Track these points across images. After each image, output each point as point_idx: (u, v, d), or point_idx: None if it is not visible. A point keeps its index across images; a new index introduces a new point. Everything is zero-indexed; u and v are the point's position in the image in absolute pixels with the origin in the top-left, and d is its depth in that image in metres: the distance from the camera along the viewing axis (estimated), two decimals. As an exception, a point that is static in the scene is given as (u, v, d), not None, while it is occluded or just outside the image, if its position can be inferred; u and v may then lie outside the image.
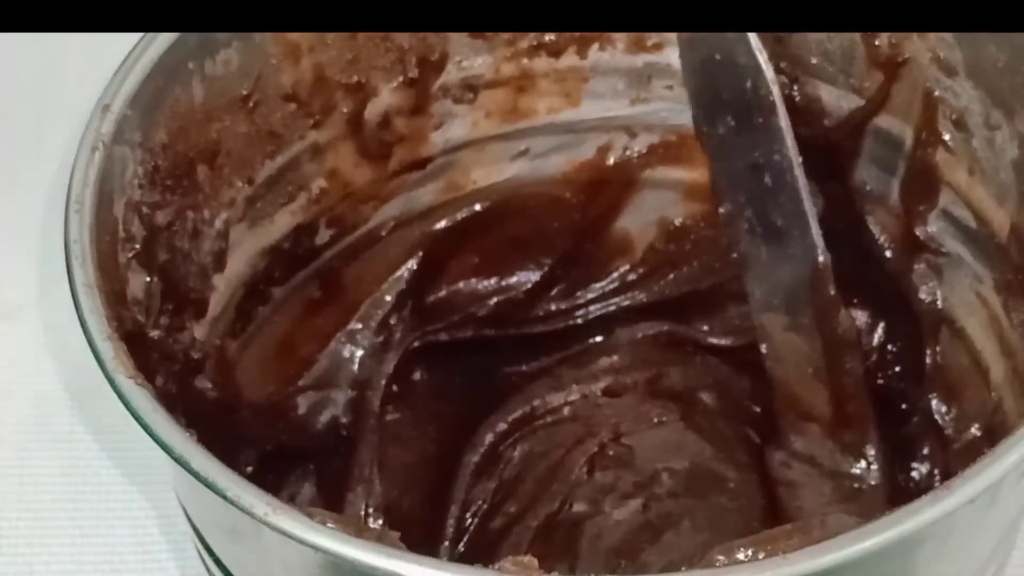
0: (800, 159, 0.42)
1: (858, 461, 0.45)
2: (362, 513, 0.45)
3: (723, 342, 0.49)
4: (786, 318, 0.44)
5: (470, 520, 0.46)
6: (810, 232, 0.42)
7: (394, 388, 0.47)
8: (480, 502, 0.47)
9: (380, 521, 0.45)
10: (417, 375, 0.48)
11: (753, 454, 0.47)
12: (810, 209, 0.42)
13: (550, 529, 0.46)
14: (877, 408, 0.45)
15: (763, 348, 0.45)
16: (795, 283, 0.44)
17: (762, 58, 0.42)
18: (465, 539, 0.46)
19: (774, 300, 0.44)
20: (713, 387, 0.48)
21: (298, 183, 0.44)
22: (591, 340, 0.50)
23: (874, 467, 0.45)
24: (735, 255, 0.45)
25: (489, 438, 0.48)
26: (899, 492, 0.44)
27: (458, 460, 0.47)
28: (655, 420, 0.48)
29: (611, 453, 0.47)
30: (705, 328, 0.49)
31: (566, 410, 0.49)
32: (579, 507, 0.46)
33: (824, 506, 0.44)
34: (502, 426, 0.48)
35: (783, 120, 0.42)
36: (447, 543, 0.46)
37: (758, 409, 0.47)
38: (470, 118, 0.47)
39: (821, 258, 0.43)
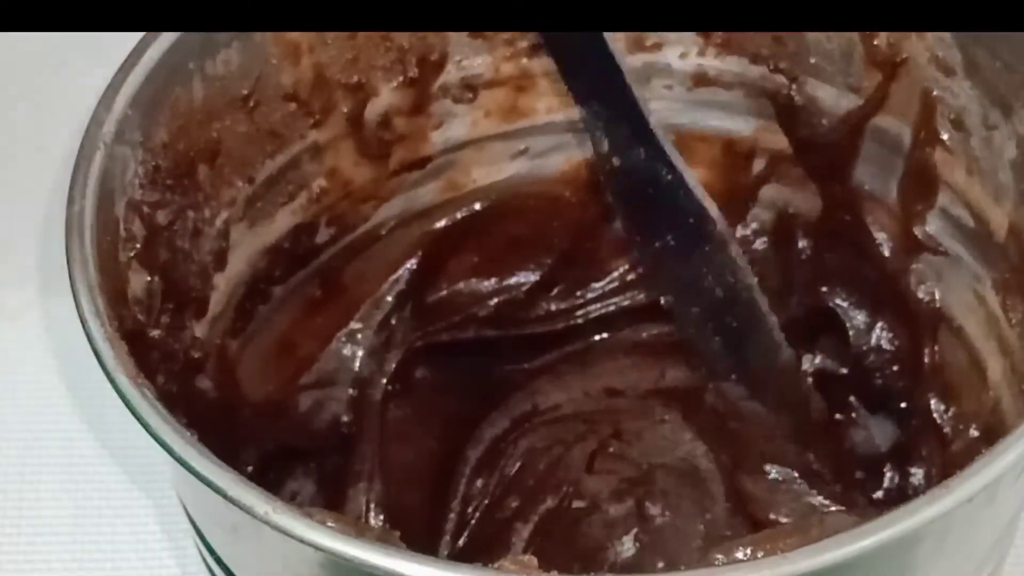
0: (755, 280, 0.43)
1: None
2: (363, 509, 0.45)
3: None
4: (742, 389, 0.46)
5: (471, 515, 0.46)
6: (773, 340, 0.44)
7: (395, 386, 0.47)
8: (481, 497, 0.47)
9: (381, 517, 0.45)
10: (419, 374, 0.48)
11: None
12: (769, 317, 0.44)
13: (550, 524, 0.46)
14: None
15: (713, 401, 0.46)
16: (758, 373, 0.44)
17: (707, 202, 0.43)
18: (466, 534, 0.46)
19: (733, 377, 0.46)
20: (714, 388, 0.48)
21: (298, 182, 0.44)
22: (593, 339, 0.50)
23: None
24: (681, 338, 0.46)
25: (491, 434, 0.48)
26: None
27: (460, 456, 0.47)
28: (656, 419, 0.48)
29: (611, 450, 0.47)
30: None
31: (568, 408, 0.49)
32: (578, 503, 0.46)
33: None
34: (504, 423, 0.48)
35: (734, 250, 0.43)
36: (447, 538, 0.46)
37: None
38: (470, 117, 0.47)
39: (784, 357, 0.44)
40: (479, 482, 0.47)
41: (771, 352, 0.44)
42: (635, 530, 0.46)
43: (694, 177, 0.43)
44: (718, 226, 0.43)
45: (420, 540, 0.45)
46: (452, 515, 0.46)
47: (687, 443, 0.47)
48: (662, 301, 0.46)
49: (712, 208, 0.43)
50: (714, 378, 0.46)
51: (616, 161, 0.45)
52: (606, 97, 0.44)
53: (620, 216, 0.45)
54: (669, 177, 0.43)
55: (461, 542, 0.46)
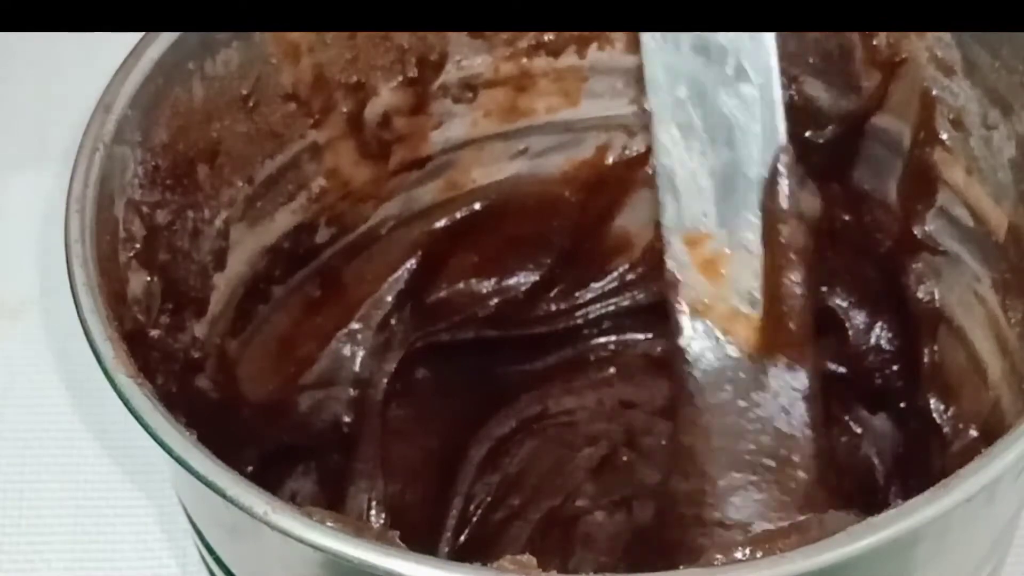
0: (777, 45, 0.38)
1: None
2: (364, 507, 0.45)
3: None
4: (719, 234, 0.42)
5: (472, 513, 0.46)
6: (778, 123, 0.40)
7: (396, 386, 0.47)
8: (483, 495, 0.47)
9: (382, 515, 0.45)
10: (420, 373, 0.48)
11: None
12: (780, 97, 0.39)
13: (550, 525, 0.46)
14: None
15: (672, 274, 0.42)
16: (742, 190, 0.40)
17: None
18: (467, 531, 0.46)
19: (703, 217, 0.41)
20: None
21: (298, 182, 0.44)
22: (606, 346, 0.50)
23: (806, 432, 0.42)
24: (654, 168, 0.41)
25: (496, 433, 0.48)
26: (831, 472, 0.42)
27: (463, 454, 0.47)
28: (668, 435, 0.48)
29: (624, 459, 0.48)
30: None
31: (580, 414, 0.49)
32: (581, 504, 0.46)
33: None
34: (511, 423, 0.48)
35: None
36: (448, 535, 0.46)
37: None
38: (469, 117, 0.47)
39: (786, 155, 0.40)
40: (482, 480, 0.47)
41: (770, 146, 0.40)
42: (638, 536, 0.46)
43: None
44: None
45: (421, 538, 0.45)
46: (454, 512, 0.46)
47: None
48: (646, 107, 0.42)
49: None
50: (679, 227, 0.42)
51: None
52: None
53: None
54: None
55: (462, 539, 0.46)
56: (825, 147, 0.45)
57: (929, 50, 0.41)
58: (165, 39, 0.39)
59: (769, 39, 0.39)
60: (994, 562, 0.36)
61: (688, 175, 0.41)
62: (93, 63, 0.40)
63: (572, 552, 0.45)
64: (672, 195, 0.42)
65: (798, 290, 0.41)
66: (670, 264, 0.42)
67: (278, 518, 0.29)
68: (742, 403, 0.42)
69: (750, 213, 0.41)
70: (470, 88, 0.46)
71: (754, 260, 0.41)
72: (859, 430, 0.47)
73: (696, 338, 0.42)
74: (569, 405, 0.49)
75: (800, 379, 0.41)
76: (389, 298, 0.48)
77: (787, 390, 0.41)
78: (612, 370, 0.50)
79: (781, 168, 0.40)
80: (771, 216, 0.41)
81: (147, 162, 0.38)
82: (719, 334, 0.42)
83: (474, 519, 0.46)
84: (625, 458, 0.48)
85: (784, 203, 0.40)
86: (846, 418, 0.47)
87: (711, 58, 0.39)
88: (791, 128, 0.45)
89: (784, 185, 0.40)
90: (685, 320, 0.42)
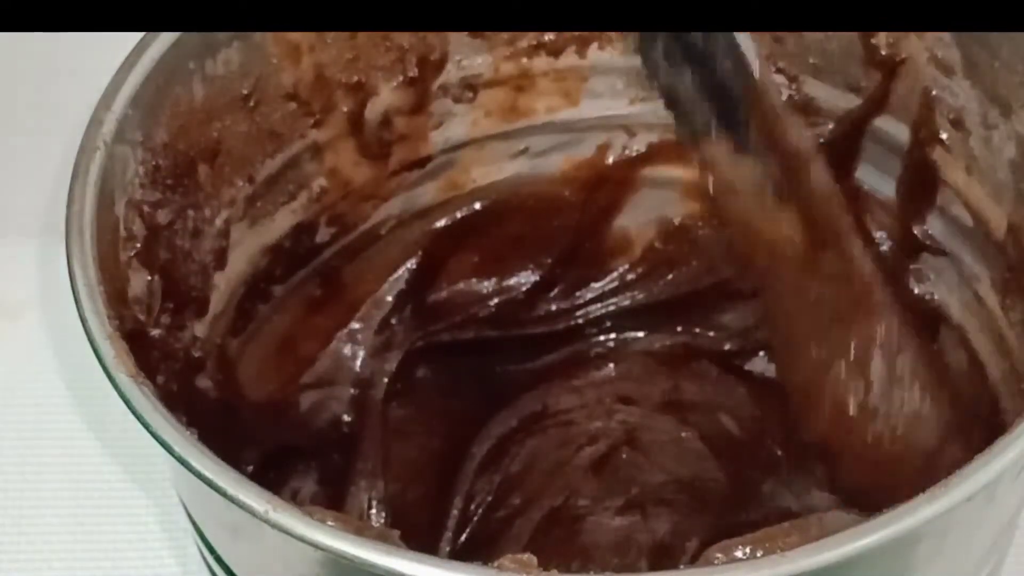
0: None
1: None
2: (365, 506, 0.45)
3: (729, 347, 0.49)
4: (729, 143, 0.42)
5: (474, 511, 0.46)
6: (737, 46, 0.40)
7: (397, 386, 0.47)
8: (484, 494, 0.47)
9: (383, 514, 0.45)
10: (420, 373, 0.48)
11: (762, 474, 0.47)
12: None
13: (552, 523, 0.46)
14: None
15: (710, 185, 0.43)
16: (732, 103, 0.41)
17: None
18: (468, 530, 0.46)
19: (710, 128, 0.42)
20: (732, 409, 0.48)
21: (298, 182, 0.44)
22: (604, 343, 0.50)
23: None
24: (658, 90, 0.42)
25: (497, 432, 0.48)
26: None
27: (464, 453, 0.47)
28: (674, 434, 0.48)
29: (624, 457, 0.48)
30: (713, 335, 0.49)
31: (579, 412, 0.49)
32: (582, 504, 0.46)
33: None
34: (512, 422, 0.48)
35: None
36: (449, 533, 0.46)
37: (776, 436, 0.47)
38: (470, 117, 0.47)
39: (756, 70, 0.40)
40: (483, 479, 0.47)
41: (741, 69, 0.40)
42: (638, 536, 0.46)
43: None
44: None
45: (421, 537, 0.45)
46: (455, 511, 0.46)
47: (702, 463, 0.47)
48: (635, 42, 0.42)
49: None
50: (695, 137, 0.43)
51: None
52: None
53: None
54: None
55: (463, 538, 0.46)
56: (825, 147, 0.45)
57: (929, 50, 0.41)
58: (165, 39, 0.39)
59: None
60: (994, 562, 0.36)
61: (686, 89, 0.42)
62: (93, 63, 0.40)
63: (573, 550, 0.45)
64: (679, 107, 0.42)
65: (819, 187, 0.41)
66: (709, 178, 0.43)
67: (278, 517, 0.29)
68: None
69: (745, 124, 0.41)
70: (470, 88, 0.46)
71: (770, 162, 0.41)
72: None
73: None
74: (569, 404, 0.49)
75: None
76: (389, 298, 0.48)
77: None
78: (611, 367, 0.50)
79: (753, 80, 0.40)
80: (761, 127, 0.41)
81: (148, 162, 0.38)
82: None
83: (475, 518, 0.46)
84: (625, 456, 0.48)
85: (770, 114, 0.41)
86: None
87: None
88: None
89: (762, 97, 0.40)
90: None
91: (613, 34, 0.46)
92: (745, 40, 0.39)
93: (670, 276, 0.49)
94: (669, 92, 0.42)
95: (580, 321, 0.50)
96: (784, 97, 0.45)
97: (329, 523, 0.29)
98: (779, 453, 0.47)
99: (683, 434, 0.48)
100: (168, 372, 0.38)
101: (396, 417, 0.47)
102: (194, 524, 0.36)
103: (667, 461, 0.47)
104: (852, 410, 0.42)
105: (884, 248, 0.45)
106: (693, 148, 0.42)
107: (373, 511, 0.45)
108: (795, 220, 0.42)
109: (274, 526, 0.29)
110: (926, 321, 0.44)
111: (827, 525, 0.31)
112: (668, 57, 0.41)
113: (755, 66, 0.40)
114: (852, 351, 0.41)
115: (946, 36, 0.41)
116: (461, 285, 0.49)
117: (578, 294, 0.50)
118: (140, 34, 0.39)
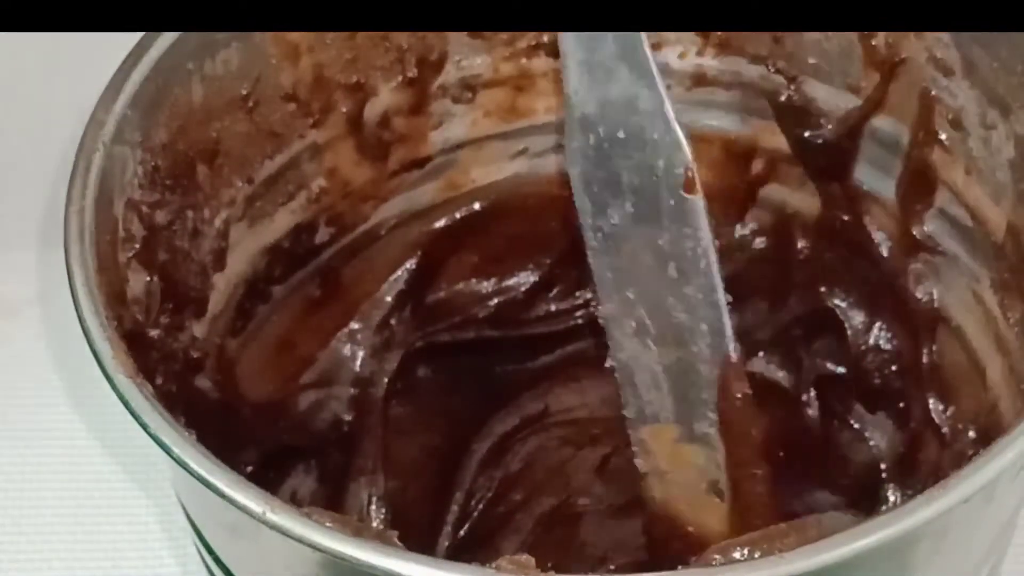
0: (716, 242, 0.38)
1: None
2: (365, 503, 0.45)
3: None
4: (679, 428, 0.41)
5: (473, 507, 0.46)
6: (723, 325, 0.38)
7: (397, 385, 0.47)
8: (485, 491, 0.47)
9: (383, 511, 0.45)
10: (421, 372, 0.48)
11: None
12: (723, 298, 0.38)
13: (552, 521, 0.46)
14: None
15: (640, 465, 0.42)
16: (696, 387, 0.40)
17: (681, 131, 0.37)
18: (467, 527, 0.46)
19: (663, 412, 0.41)
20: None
21: (298, 182, 0.44)
22: (606, 343, 0.50)
23: None
24: (612, 364, 0.41)
25: (499, 431, 0.48)
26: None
27: (465, 451, 0.47)
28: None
29: (626, 457, 0.48)
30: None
31: (581, 412, 0.49)
32: (582, 503, 0.47)
33: None
34: (513, 421, 0.48)
35: (701, 198, 0.37)
36: (448, 529, 0.46)
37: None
38: (469, 117, 0.47)
39: (734, 354, 0.39)
40: (483, 477, 0.47)
41: (719, 350, 0.39)
42: (636, 534, 0.46)
43: (672, 109, 0.37)
44: (692, 172, 0.37)
45: (421, 533, 0.45)
46: (454, 507, 0.46)
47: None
48: (599, 313, 0.41)
49: (687, 148, 0.37)
50: (641, 419, 0.42)
51: (590, 100, 0.38)
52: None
53: (578, 183, 0.38)
54: (648, 105, 0.37)
55: (462, 535, 0.46)
56: (825, 147, 0.45)
57: (928, 50, 0.41)
58: (165, 39, 0.39)
59: (703, 223, 0.37)
60: (992, 562, 0.36)
61: (645, 371, 0.40)
62: (93, 63, 0.40)
63: (573, 550, 0.45)
64: (631, 389, 0.41)
65: (759, 485, 0.40)
66: (637, 457, 0.42)
67: (277, 518, 0.29)
68: None
69: (707, 409, 0.40)
70: (470, 88, 0.46)
71: (716, 454, 0.40)
72: (859, 430, 0.47)
73: None
74: (571, 403, 0.49)
75: None
76: (389, 298, 0.48)
77: None
78: (613, 367, 0.50)
79: (730, 366, 0.39)
80: (726, 413, 0.40)
81: (147, 162, 0.38)
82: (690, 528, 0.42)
83: (474, 515, 0.46)
84: (627, 456, 0.48)
85: (736, 402, 0.39)
86: (846, 418, 0.47)
87: (656, 258, 0.38)
88: (790, 128, 0.46)
89: (735, 384, 0.39)
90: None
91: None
92: (724, 318, 0.38)
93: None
94: (624, 365, 0.41)
95: (580, 321, 0.50)
96: (784, 95, 0.45)
97: (327, 524, 0.29)
98: (780, 454, 0.47)
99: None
100: (167, 372, 0.38)
101: (396, 416, 0.47)
102: (193, 524, 0.36)
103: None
104: None
105: (883, 249, 0.45)
106: (632, 428, 0.41)
107: (373, 508, 0.45)
108: (723, 514, 0.41)
109: (272, 527, 0.29)
110: (926, 321, 0.44)
111: (825, 526, 0.31)
112: (640, 334, 0.39)
113: (731, 346, 0.38)
114: None
115: (945, 36, 0.41)
116: (461, 285, 0.49)
117: (578, 294, 0.50)
118: (140, 34, 0.39)
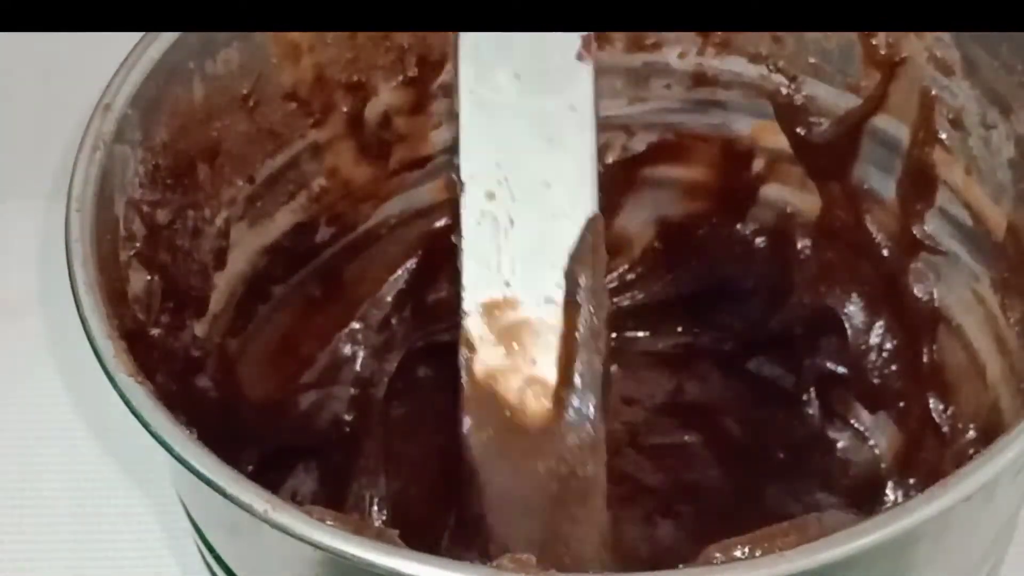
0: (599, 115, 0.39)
1: None
2: (366, 503, 0.45)
3: (730, 347, 0.49)
4: (526, 299, 0.41)
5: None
6: (588, 184, 0.40)
7: (398, 385, 0.47)
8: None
9: (384, 510, 0.45)
10: (422, 372, 0.48)
11: (764, 475, 0.47)
12: (594, 165, 0.39)
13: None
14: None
15: (467, 340, 0.41)
16: (548, 256, 0.40)
17: None
18: (468, 526, 0.46)
19: (507, 281, 0.40)
20: (735, 412, 0.48)
21: (298, 182, 0.44)
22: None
23: None
24: (458, 233, 0.41)
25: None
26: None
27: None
28: (678, 438, 0.48)
29: (627, 458, 0.48)
30: (714, 335, 0.49)
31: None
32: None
33: None
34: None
35: (592, 66, 0.39)
36: (450, 529, 0.46)
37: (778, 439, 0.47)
38: (469, 117, 0.47)
39: (596, 209, 0.40)
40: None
41: (581, 211, 0.40)
42: (640, 534, 0.46)
43: None
44: (590, 39, 0.40)
45: (422, 532, 0.45)
46: (456, 507, 0.46)
47: (706, 467, 0.47)
48: (460, 173, 0.41)
49: None
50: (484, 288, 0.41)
51: None
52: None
53: (466, 46, 0.41)
54: None
55: (463, 534, 0.46)
56: (825, 147, 0.45)
57: (928, 50, 0.41)
58: (165, 39, 0.39)
59: (589, 92, 0.38)
60: (993, 561, 0.36)
61: (495, 241, 0.40)
62: (93, 63, 0.40)
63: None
64: (475, 259, 0.41)
65: (589, 372, 0.40)
66: (465, 333, 0.41)
67: (277, 516, 0.29)
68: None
69: (554, 283, 0.40)
70: (470, 88, 0.46)
71: (551, 334, 0.40)
72: (859, 430, 0.47)
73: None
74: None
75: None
76: (389, 298, 0.48)
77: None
78: (613, 368, 0.50)
79: (587, 241, 0.39)
80: (572, 289, 0.40)
81: (148, 161, 0.38)
82: (507, 412, 0.41)
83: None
84: (628, 457, 0.48)
85: (586, 279, 0.40)
86: (846, 418, 0.47)
87: (532, 126, 0.39)
88: (791, 128, 0.46)
89: (588, 260, 0.40)
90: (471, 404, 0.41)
91: (612, 34, 0.46)
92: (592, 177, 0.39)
93: (670, 276, 0.49)
94: (471, 236, 0.41)
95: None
96: (784, 95, 0.45)
97: (328, 522, 0.29)
98: (780, 456, 0.47)
99: (685, 437, 0.48)
100: (168, 372, 0.38)
101: (397, 415, 0.47)
102: (194, 523, 0.37)
103: (669, 462, 0.47)
104: None
105: (884, 248, 0.45)
106: (467, 297, 0.41)
107: (374, 508, 0.45)
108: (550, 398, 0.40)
109: (273, 525, 0.29)
110: (926, 321, 0.44)
111: (826, 525, 0.31)
112: (496, 197, 0.40)
113: (594, 203, 0.39)
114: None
115: (945, 36, 0.41)
116: (461, 285, 0.49)
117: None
118: (140, 34, 0.39)
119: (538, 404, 0.40)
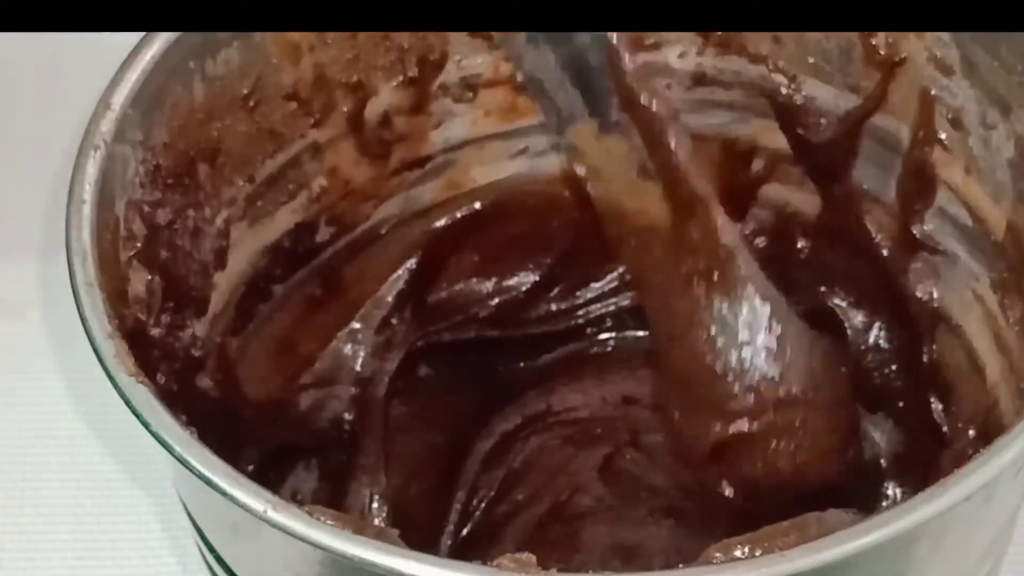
0: None
1: None
2: (366, 501, 0.45)
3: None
4: (595, 121, 0.43)
5: (476, 506, 0.47)
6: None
7: (399, 384, 0.47)
8: (487, 489, 0.47)
9: (384, 509, 0.45)
10: (422, 371, 0.48)
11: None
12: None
13: (553, 521, 0.46)
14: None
15: (579, 171, 0.44)
16: (595, 77, 0.42)
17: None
18: (469, 525, 0.46)
19: (577, 109, 0.43)
20: None
21: (299, 181, 0.44)
22: (607, 343, 0.50)
23: None
24: (526, 80, 0.44)
25: (501, 429, 0.48)
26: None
27: (467, 450, 0.47)
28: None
29: (628, 457, 0.48)
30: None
31: (584, 411, 0.49)
32: (586, 502, 0.47)
33: None
34: (516, 419, 0.48)
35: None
36: (451, 527, 0.46)
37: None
38: (470, 117, 0.47)
39: (613, 37, 0.41)
40: (486, 475, 0.47)
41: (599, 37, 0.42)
42: (639, 533, 0.46)
43: None
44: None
45: (422, 531, 0.45)
46: (457, 506, 0.46)
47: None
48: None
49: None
50: (561, 123, 0.44)
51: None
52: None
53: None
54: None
55: (464, 533, 0.46)
56: (824, 147, 0.45)
57: (928, 50, 0.42)
58: (165, 39, 0.39)
59: None
60: (992, 561, 0.36)
61: (549, 74, 0.42)
62: (93, 63, 0.40)
63: (574, 548, 0.46)
64: (546, 99, 0.43)
65: (680, 153, 0.42)
66: (574, 164, 0.43)
67: (278, 516, 0.29)
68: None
69: (609, 95, 0.42)
70: (470, 88, 0.46)
71: (633, 136, 0.42)
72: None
73: None
74: (574, 402, 0.49)
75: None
76: (390, 298, 0.48)
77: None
78: (614, 366, 0.50)
79: (611, 49, 0.41)
80: (624, 95, 0.41)
81: (148, 161, 0.38)
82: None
83: (477, 513, 0.46)
84: (629, 456, 0.48)
85: (628, 80, 0.41)
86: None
87: None
88: (791, 128, 0.46)
89: (623, 62, 0.41)
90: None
91: (612, 34, 0.46)
92: None
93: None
94: (533, 78, 0.43)
95: (580, 321, 0.50)
96: (784, 94, 0.45)
97: (328, 522, 0.29)
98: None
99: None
100: (168, 371, 0.38)
101: (398, 414, 0.47)
102: (194, 523, 0.37)
103: (670, 461, 0.47)
104: (736, 390, 0.42)
105: (884, 248, 0.45)
106: (559, 134, 0.43)
107: (375, 506, 0.45)
108: (660, 195, 0.42)
109: (273, 525, 0.29)
110: (926, 321, 0.44)
111: (826, 524, 0.31)
112: (531, 40, 0.42)
113: (613, 37, 0.41)
114: (716, 320, 0.42)
115: (945, 36, 0.41)
116: (461, 284, 0.49)
117: (578, 294, 0.50)
118: (140, 34, 0.39)
119: (655, 204, 0.43)
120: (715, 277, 0.42)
